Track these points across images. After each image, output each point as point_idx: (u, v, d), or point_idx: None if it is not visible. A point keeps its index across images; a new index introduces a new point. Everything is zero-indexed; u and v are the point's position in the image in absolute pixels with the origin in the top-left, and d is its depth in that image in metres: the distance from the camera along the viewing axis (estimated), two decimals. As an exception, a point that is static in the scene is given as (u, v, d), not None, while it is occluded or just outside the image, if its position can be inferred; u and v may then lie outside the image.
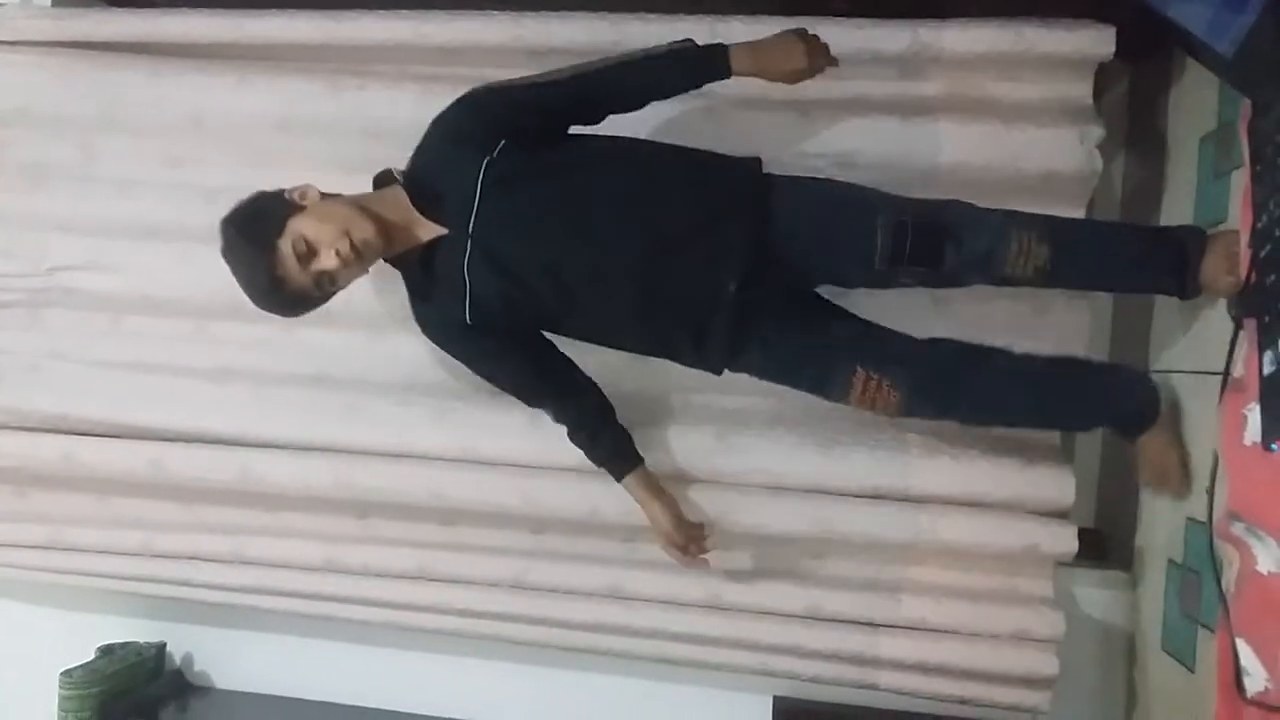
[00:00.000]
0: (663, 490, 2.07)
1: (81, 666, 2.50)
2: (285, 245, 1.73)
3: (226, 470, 2.36)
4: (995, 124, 2.15)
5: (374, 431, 2.33)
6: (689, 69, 1.91)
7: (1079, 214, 2.17)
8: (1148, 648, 2.22)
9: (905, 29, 2.14)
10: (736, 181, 1.92)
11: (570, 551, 2.34)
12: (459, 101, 1.90)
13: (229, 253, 1.80)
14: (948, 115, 2.17)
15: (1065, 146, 2.14)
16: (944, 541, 2.17)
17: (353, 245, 1.75)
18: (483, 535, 2.37)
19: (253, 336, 2.39)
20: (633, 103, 1.94)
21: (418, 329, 2.05)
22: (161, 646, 2.65)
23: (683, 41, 1.92)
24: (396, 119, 2.22)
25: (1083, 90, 2.16)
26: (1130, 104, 2.48)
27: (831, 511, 2.19)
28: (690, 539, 2.05)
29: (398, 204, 1.86)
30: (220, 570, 2.46)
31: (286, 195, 1.82)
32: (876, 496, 2.20)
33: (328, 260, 1.74)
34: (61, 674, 2.47)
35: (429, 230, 1.87)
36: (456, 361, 2.09)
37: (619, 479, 2.07)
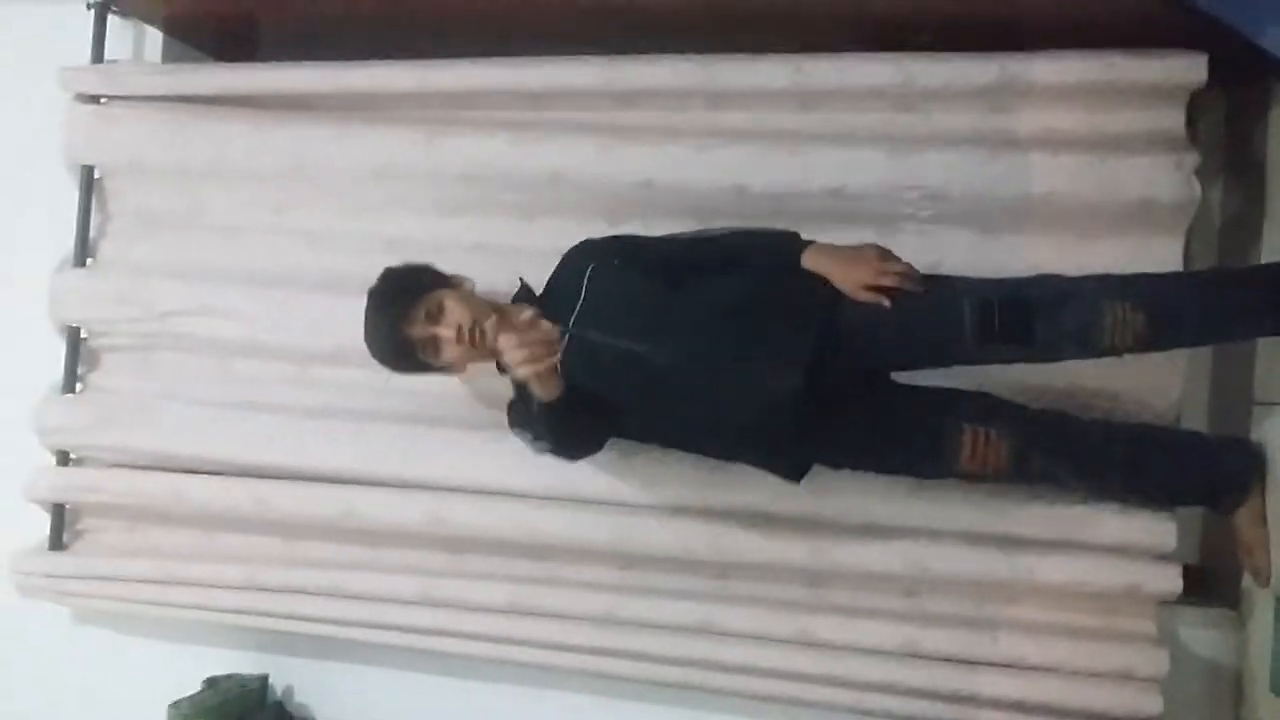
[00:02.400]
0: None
1: (189, 698, 2.57)
2: (424, 301, 1.93)
3: (327, 506, 2.43)
4: (1087, 154, 2.14)
5: (466, 468, 2.38)
6: (772, 256, 2.00)
7: (1178, 244, 2.13)
8: (1256, 688, 2.15)
9: (993, 61, 2.14)
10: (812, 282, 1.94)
11: (661, 587, 2.35)
12: (594, 236, 2.12)
13: (376, 292, 1.99)
14: (1038, 147, 2.16)
15: (1162, 174, 2.11)
16: (1043, 582, 2.14)
17: (472, 330, 1.91)
18: (574, 570, 2.39)
19: (351, 379, 2.44)
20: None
21: None
22: (264, 678, 2.71)
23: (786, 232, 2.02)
24: (492, 165, 2.29)
25: (1176, 118, 2.13)
26: (1227, 130, 2.43)
27: (926, 552, 2.17)
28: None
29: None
30: (321, 603, 2.51)
31: (450, 275, 2.03)
32: (973, 537, 2.17)
33: (446, 330, 1.91)
34: (170, 706, 2.53)
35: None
36: None
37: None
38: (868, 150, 2.20)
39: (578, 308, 1.99)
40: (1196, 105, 2.16)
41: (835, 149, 2.21)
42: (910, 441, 2.00)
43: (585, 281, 1.99)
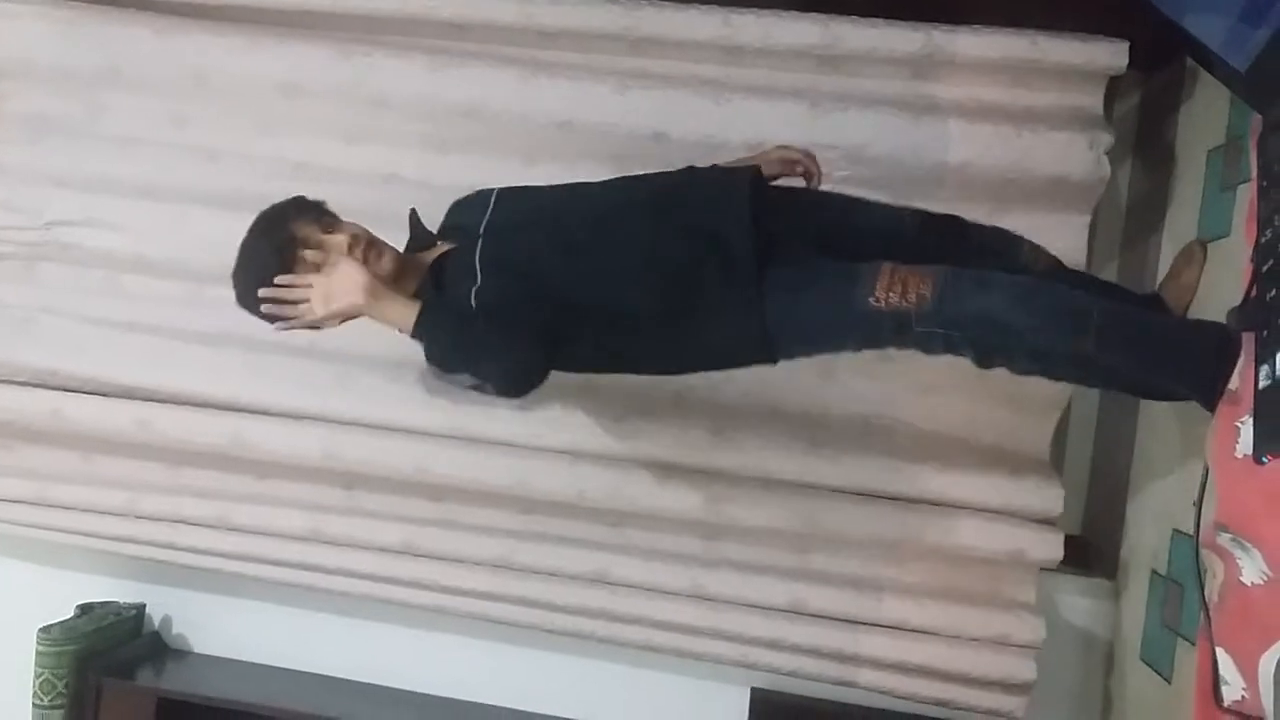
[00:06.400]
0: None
1: (60, 624, 2.49)
2: (316, 211, 1.79)
3: (215, 434, 2.35)
4: (1005, 126, 2.16)
5: (364, 404, 2.33)
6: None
7: (1084, 220, 2.18)
8: (1127, 657, 2.23)
9: (919, 31, 2.14)
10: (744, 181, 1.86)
11: (558, 534, 2.34)
12: None
13: (269, 206, 1.81)
14: (958, 115, 2.17)
15: (1075, 152, 2.14)
16: (929, 542, 2.18)
17: (368, 244, 1.75)
18: (470, 513, 2.36)
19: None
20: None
21: None
22: (141, 608, 2.64)
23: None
24: (403, 90, 2.21)
25: (1094, 99, 2.16)
26: (1141, 114, 2.47)
27: (819, 507, 2.19)
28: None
29: (423, 260, 1.87)
30: (204, 535, 2.45)
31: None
32: (865, 495, 2.20)
33: (339, 235, 1.74)
34: (40, 630, 2.45)
35: (439, 252, 1.87)
36: None
37: None
38: (790, 103, 2.18)
39: (488, 213, 1.85)
40: (1114, 88, 2.20)
41: (758, 100, 2.19)
42: (831, 275, 1.78)
43: (494, 197, 1.88)
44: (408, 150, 2.32)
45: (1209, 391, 1.57)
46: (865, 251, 1.76)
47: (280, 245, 1.74)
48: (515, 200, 1.90)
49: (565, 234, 1.81)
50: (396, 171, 2.31)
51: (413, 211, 1.90)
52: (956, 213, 2.10)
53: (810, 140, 2.15)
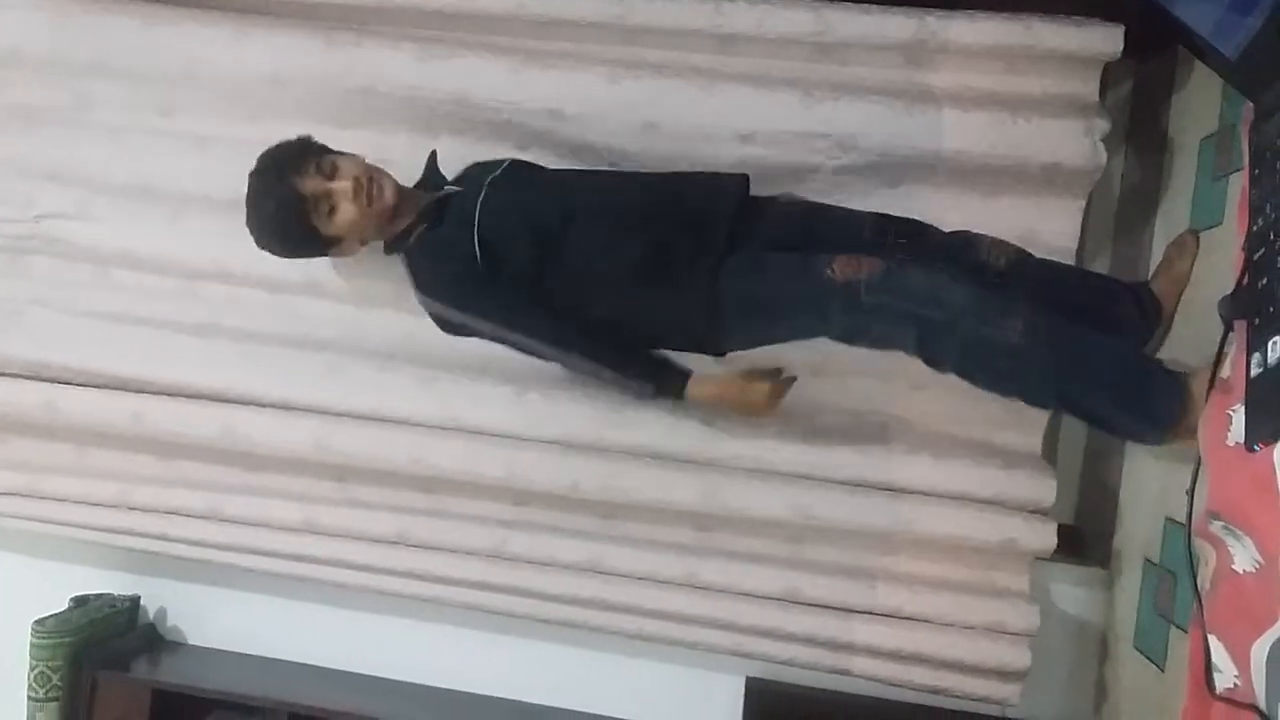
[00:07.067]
0: (720, 378, 2.04)
1: (54, 616, 2.49)
2: (314, 158, 1.91)
3: (207, 426, 2.35)
4: (1000, 114, 2.14)
5: (356, 394, 2.32)
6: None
7: (1079, 206, 2.17)
8: (1120, 645, 2.24)
9: (913, 17, 2.13)
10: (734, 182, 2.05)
11: (551, 524, 2.34)
12: None
13: (262, 161, 1.93)
14: (952, 103, 2.16)
15: (1071, 138, 2.12)
16: (922, 532, 2.18)
17: (370, 184, 1.88)
18: (463, 504, 2.36)
19: (240, 296, 2.37)
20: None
21: (408, 308, 2.08)
22: (135, 600, 2.64)
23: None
24: (394, 77, 2.20)
25: (1090, 86, 2.15)
26: (1133, 102, 2.47)
27: (813, 498, 2.19)
28: (774, 393, 2.03)
29: (423, 193, 2.02)
30: (197, 526, 2.45)
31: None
32: (858, 485, 2.20)
33: (342, 182, 1.88)
34: (34, 623, 2.45)
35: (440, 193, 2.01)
36: (443, 335, 2.08)
37: (678, 395, 2.03)
38: (782, 93, 2.17)
39: (494, 174, 2.01)
40: (1106, 77, 2.19)
41: (750, 88, 2.18)
42: (791, 259, 1.94)
43: (504, 164, 2.03)
44: (397, 135, 2.29)
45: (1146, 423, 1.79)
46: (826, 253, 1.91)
47: (289, 203, 1.88)
48: (526, 169, 2.07)
49: (567, 197, 1.98)
50: (385, 156, 2.29)
51: (433, 153, 2.10)
52: (951, 198, 2.12)
53: (802, 130, 2.16)
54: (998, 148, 2.14)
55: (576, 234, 1.96)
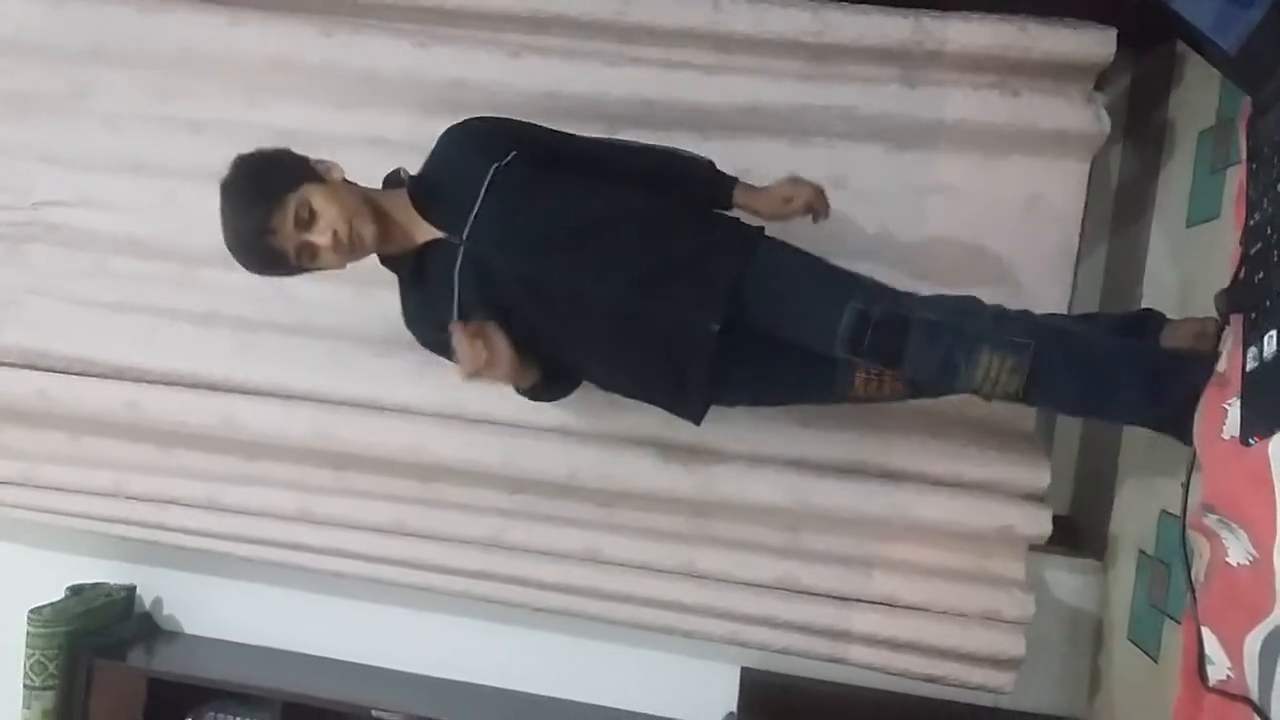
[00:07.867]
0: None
1: (50, 605, 2.49)
2: (291, 203, 1.70)
3: (205, 414, 2.35)
4: (1002, 92, 2.15)
5: (354, 382, 2.33)
6: (699, 182, 1.92)
7: (1084, 168, 2.16)
8: (1114, 635, 2.25)
9: (909, 18, 2.13)
10: (733, 226, 1.90)
11: (548, 513, 2.34)
12: (475, 116, 1.91)
13: (231, 188, 1.74)
14: (954, 81, 2.17)
15: (1074, 108, 2.13)
16: (919, 519, 2.19)
17: (349, 233, 1.73)
18: (461, 493, 2.36)
19: (237, 283, 2.34)
20: (632, 181, 1.90)
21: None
22: (131, 589, 2.64)
23: (701, 158, 1.94)
24: (392, 63, 2.20)
25: (1084, 84, 2.15)
26: (1131, 96, 2.47)
27: (809, 485, 2.20)
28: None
29: (404, 205, 1.84)
30: (194, 515, 2.45)
31: (313, 162, 1.79)
32: (854, 471, 2.21)
33: (320, 237, 1.72)
34: (30, 611, 2.46)
35: (427, 233, 1.84)
36: None
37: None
38: (784, 60, 2.20)
39: (472, 216, 1.80)
40: (1103, 71, 2.18)
41: (750, 57, 2.19)
42: (805, 380, 1.94)
43: (485, 187, 1.80)
44: (395, 116, 2.29)
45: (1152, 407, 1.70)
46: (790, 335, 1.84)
47: (266, 254, 1.74)
48: (501, 204, 1.82)
49: (542, 301, 1.82)
50: (382, 135, 2.28)
51: (398, 171, 1.91)
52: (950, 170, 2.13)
53: (804, 102, 2.17)
54: (1000, 117, 2.14)
55: (553, 327, 1.86)
